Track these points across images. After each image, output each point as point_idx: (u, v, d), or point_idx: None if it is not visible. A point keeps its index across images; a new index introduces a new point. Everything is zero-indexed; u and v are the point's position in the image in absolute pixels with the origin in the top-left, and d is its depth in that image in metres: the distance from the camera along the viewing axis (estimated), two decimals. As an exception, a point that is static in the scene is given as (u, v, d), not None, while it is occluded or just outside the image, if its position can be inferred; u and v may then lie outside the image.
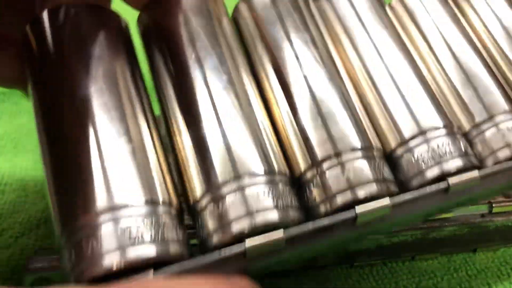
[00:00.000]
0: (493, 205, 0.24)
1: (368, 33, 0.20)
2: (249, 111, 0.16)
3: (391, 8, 0.23)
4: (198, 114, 0.16)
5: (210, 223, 0.15)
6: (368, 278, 0.23)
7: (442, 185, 0.17)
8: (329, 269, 0.23)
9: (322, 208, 0.16)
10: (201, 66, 0.17)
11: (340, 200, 0.16)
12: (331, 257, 0.23)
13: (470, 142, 0.19)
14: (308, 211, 0.16)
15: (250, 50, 0.19)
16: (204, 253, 0.15)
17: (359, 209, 0.16)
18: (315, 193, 0.16)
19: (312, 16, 0.20)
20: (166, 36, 0.18)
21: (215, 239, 0.15)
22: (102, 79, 0.16)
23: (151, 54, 0.18)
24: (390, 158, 0.18)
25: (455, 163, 0.17)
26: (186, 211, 0.16)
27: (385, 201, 0.16)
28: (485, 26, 0.22)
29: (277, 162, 0.16)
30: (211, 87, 0.16)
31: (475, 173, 0.17)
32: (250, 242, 0.14)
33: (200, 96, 0.16)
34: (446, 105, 0.20)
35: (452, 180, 0.17)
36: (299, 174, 0.17)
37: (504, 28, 0.22)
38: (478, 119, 0.19)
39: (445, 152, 0.17)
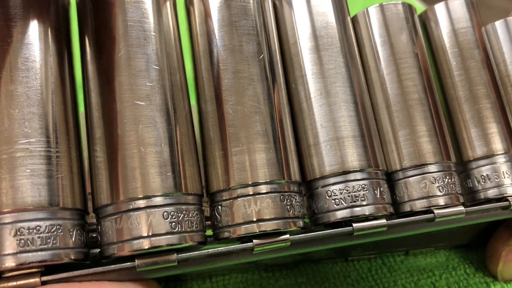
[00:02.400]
0: None
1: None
2: (166, 124, 0.17)
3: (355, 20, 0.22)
4: (115, 122, 0.16)
5: (111, 234, 0.16)
6: (366, 276, 0.23)
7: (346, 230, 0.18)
8: (329, 269, 0.23)
9: (226, 233, 0.17)
10: (128, 65, 0.17)
11: (243, 230, 0.17)
12: (325, 251, 0.23)
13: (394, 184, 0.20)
14: (215, 229, 0.17)
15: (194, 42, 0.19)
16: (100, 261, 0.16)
17: (257, 241, 0.17)
18: (224, 216, 0.17)
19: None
20: (101, 25, 0.17)
21: (112, 251, 0.16)
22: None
23: (83, 39, 0.18)
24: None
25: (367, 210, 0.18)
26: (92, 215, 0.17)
27: (286, 236, 0.17)
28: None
29: (188, 182, 0.17)
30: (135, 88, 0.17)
31: (382, 221, 0.18)
32: (141, 260, 0.15)
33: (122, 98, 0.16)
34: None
35: (357, 225, 0.18)
36: (213, 192, 0.17)
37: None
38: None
39: (359, 197, 0.18)
